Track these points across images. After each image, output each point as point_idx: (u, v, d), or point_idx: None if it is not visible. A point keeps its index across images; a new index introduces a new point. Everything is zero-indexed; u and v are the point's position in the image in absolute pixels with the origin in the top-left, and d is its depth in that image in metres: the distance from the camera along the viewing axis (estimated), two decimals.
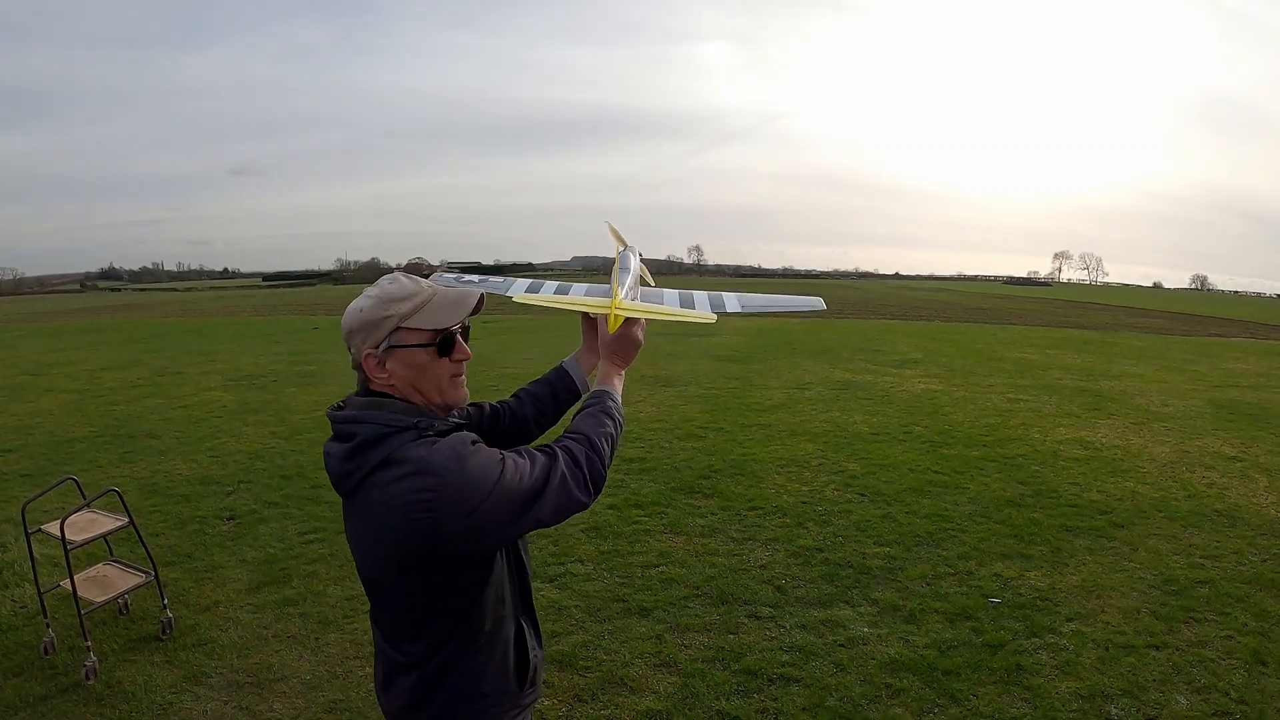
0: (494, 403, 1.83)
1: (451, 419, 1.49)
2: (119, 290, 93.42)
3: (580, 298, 1.91)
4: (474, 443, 1.37)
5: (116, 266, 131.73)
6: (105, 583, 3.83)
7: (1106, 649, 3.56)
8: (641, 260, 2.19)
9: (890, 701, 3.17)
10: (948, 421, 8.48)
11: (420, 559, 1.32)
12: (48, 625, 3.68)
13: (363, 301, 1.41)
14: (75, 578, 3.71)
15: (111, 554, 4.16)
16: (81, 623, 3.48)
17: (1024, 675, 3.34)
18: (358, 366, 1.44)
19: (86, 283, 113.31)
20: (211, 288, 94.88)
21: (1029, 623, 3.82)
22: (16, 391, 11.22)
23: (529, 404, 1.84)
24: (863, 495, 5.84)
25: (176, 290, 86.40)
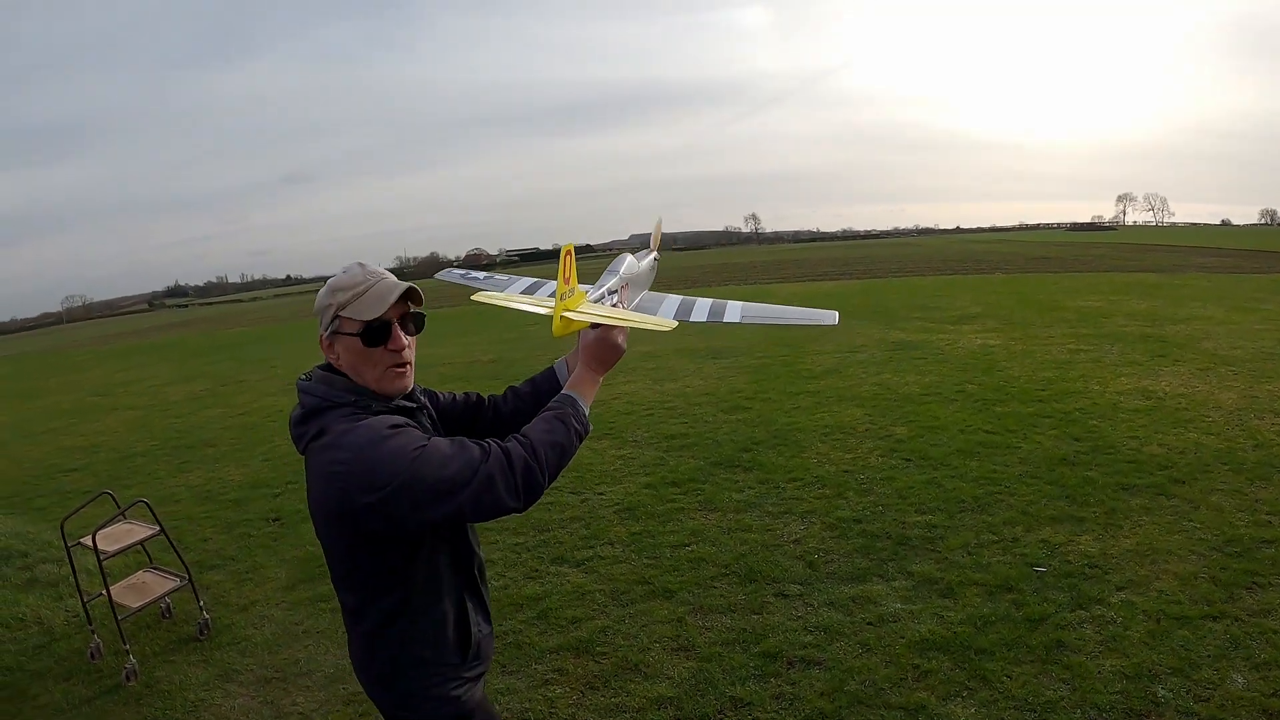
0: (481, 395, 1.88)
1: (399, 402, 1.56)
2: (185, 306, 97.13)
3: (529, 298, 1.92)
4: (396, 425, 1.42)
5: (182, 283, 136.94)
6: (143, 589, 3.96)
7: (1158, 621, 3.29)
8: (656, 260, 2.15)
9: (915, 685, 3.00)
10: (1003, 377, 8.11)
11: (343, 526, 1.43)
12: (93, 632, 3.84)
13: (322, 289, 1.54)
14: (115, 586, 3.88)
15: (151, 561, 4.29)
16: (119, 628, 3.61)
17: (1065, 652, 3.11)
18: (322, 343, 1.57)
19: (154, 302, 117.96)
20: (276, 295, 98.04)
21: (1075, 593, 3.56)
22: (85, 413, 11.79)
23: (512, 401, 1.86)
24: (908, 460, 5.62)
25: (241, 301, 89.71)
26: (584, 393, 1.63)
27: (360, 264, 1.55)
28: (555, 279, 1.77)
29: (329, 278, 1.57)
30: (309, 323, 28.32)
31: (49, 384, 17.20)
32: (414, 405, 1.62)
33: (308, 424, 1.48)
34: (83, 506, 4.27)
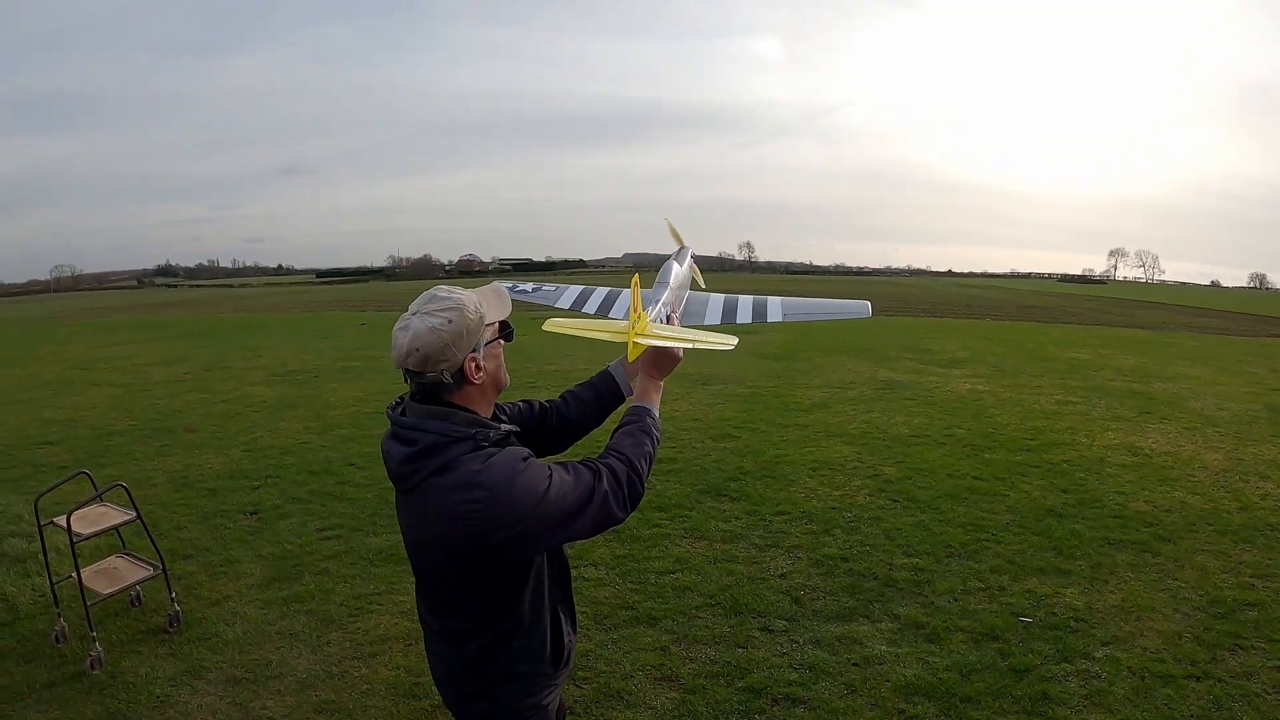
0: (544, 402, 1.92)
1: (504, 426, 1.58)
2: (175, 287, 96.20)
3: (601, 323, 1.96)
4: (525, 459, 1.49)
5: (173, 263, 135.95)
6: (114, 575, 3.86)
7: (1142, 678, 3.29)
8: (693, 260, 2.20)
9: None
10: (992, 424, 8.14)
11: (467, 560, 1.45)
12: (59, 615, 3.74)
13: (434, 321, 1.47)
14: (86, 569, 3.77)
15: (125, 547, 4.19)
16: (87, 614, 3.52)
17: (1049, 705, 3.09)
18: (454, 377, 1.50)
19: (144, 279, 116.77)
20: (266, 284, 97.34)
21: (1060, 646, 3.55)
22: (65, 386, 11.57)
23: (574, 407, 1.92)
24: (895, 501, 5.60)
25: (231, 286, 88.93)
26: (653, 400, 1.75)
27: (441, 288, 1.55)
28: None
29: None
30: (297, 315, 28.15)
31: (31, 353, 16.89)
32: (516, 429, 1.63)
33: (426, 460, 1.47)
34: (60, 484, 4.17)
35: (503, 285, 1.65)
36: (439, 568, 1.52)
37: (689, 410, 8.78)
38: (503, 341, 1.61)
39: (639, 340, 1.71)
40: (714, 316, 2.09)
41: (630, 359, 1.75)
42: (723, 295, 2.09)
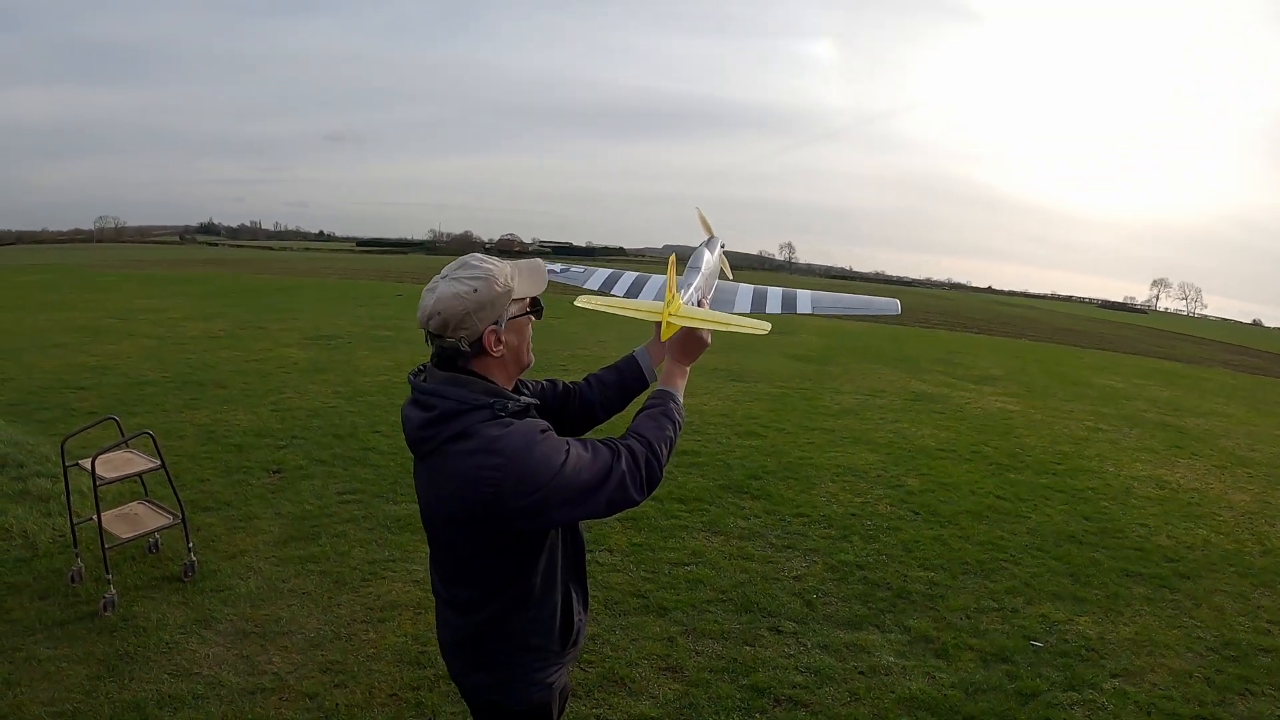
0: (567, 383, 1.90)
1: (524, 398, 1.57)
2: (216, 245, 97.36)
3: (635, 303, 1.99)
4: (544, 430, 1.48)
5: (215, 222, 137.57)
6: (134, 520, 3.92)
7: (1149, 713, 3.22)
8: (723, 250, 2.22)
9: None
10: (1019, 444, 8.01)
11: (482, 526, 1.46)
12: (77, 555, 3.82)
13: (460, 287, 1.48)
14: (108, 513, 3.84)
15: (146, 493, 4.26)
16: (104, 556, 3.58)
17: None
18: (471, 345, 1.50)
19: (186, 236, 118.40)
20: (306, 248, 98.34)
21: (1069, 673, 3.49)
22: (101, 333, 11.81)
23: (597, 390, 1.90)
24: (916, 513, 5.53)
25: (272, 249, 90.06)
26: (677, 385, 1.75)
27: (476, 256, 1.56)
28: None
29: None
30: (335, 282, 28.48)
31: (71, 299, 17.26)
32: (535, 401, 1.64)
33: (443, 426, 1.47)
34: (88, 427, 4.26)
35: (543, 264, 1.63)
36: (452, 533, 1.53)
37: (717, 405, 8.75)
38: (532, 318, 1.61)
39: (673, 320, 1.72)
40: (743, 305, 2.09)
41: (663, 338, 1.76)
42: (752, 286, 2.09)
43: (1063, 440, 8.43)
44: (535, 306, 1.61)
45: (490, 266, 1.53)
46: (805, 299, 1.99)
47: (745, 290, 2.04)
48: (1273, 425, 11.02)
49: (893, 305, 2.06)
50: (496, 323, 1.51)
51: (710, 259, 2.08)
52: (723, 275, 2.35)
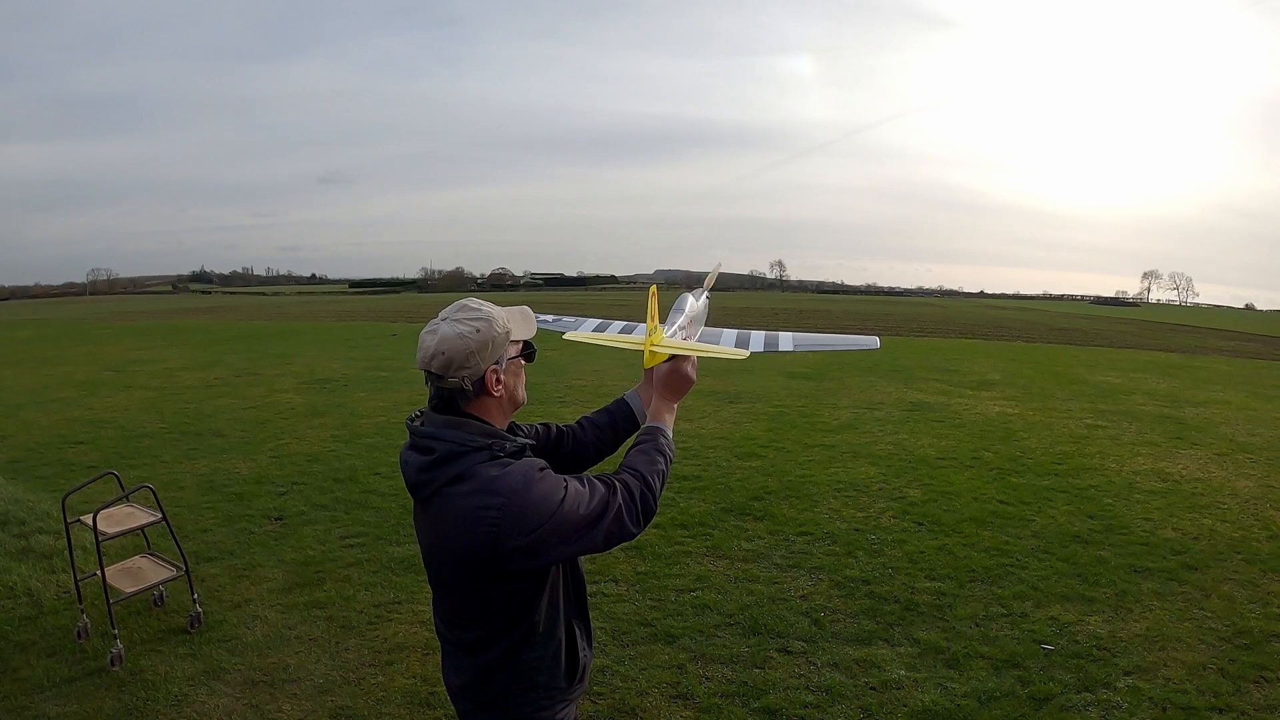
0: (560, 425, 1.94)
1: (520, 439, 1.60)
2: (209, 293, 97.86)
3: (619, 335, 2.06)
4: (542, 469, 1.51)
5: (208, 270, 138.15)
6: (138, 574, 3.93)
7: (1164, 709, 3.21)
8: (709, 298, 2.28)
9: None
10: (1020, 448, 8.02)
11: (483, 566, 1.47)
12: (82, 611, 3.81)
13: (462, 328, 1.52)
14: (111, 568, 3.84)
15: (149, 547, 4.26)
16: (110, 611, 3.58)
17: None
18: (473, 385, 1.54)
19: (179, 284, 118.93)
20: (299, 292, 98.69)
21: (1082, 675, 3.48)
22: (98, 387, 11.84)
23: (590, 432, 1.94)
24: (920, 524, 5.53)
25: (264, 294, 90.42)
26: (666, 421, 1.76)
27: (473, 299, 1.61)
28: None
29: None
30: (329, 324, 28.51)
31: (67, 353, 17.30)
32: (531, 440, 1.67)
33: (442, 469, 1.49)
34: (88, 483, 4.26)
35: (530, 310, 1.70)
36: (454, 574, 1.54)
37: (715, 428, 8.76)
38: (524, 361, 1.65)
39: (656, 349, 1.76)
40: (727, 345, 2.13)
41: (646, 365, 1.79)
42: (734, 331, 2.15)
43: (1063, 440, 8.45)
44: (527, 349, 1.66)
45: (489, 310, 1.58)
46: (787, 339, 2.04)
47: (728, 335, 2.10)
48: (1272, 409, 11.06)
49: (872, 342, 2.12)
50: (498, 363, 1.56)
51: (695, 305, 2.14)
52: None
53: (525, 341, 1.65)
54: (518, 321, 1.63)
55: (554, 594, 1.61)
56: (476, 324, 1.54)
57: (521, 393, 1.65)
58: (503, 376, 1.57)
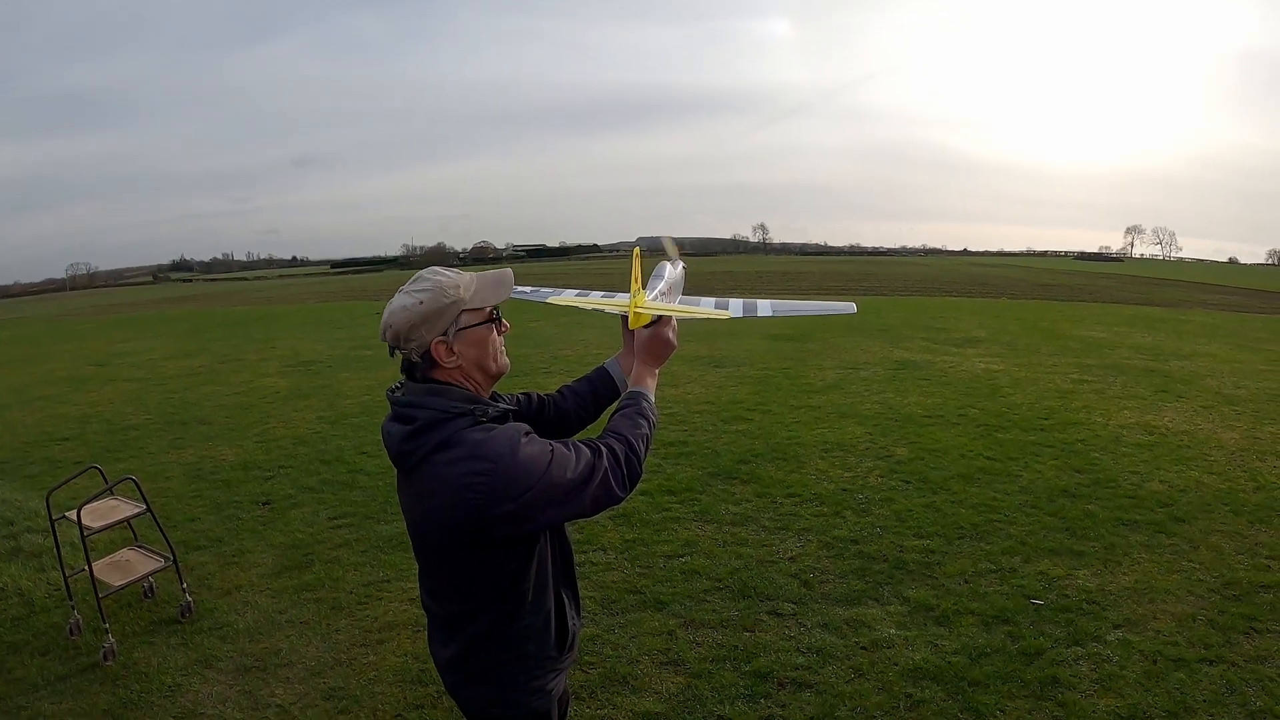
0: (541, 394, 1.94)
1: (502, 405, 1.59)
2: (190, 281, 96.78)
3: (602, 298, 2.08)
4: (526, 433, 1.49)
5: (188, 258, 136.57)
6: (126, 567, 3.89)
7: (1154, 662, 3.24)
8: (685, 271, 2.29)
9: (907, 714, 2.94)
10: (1006, 404, 8.05)
11: (470, 534, 1.44)
12: (73, 608, 3.79)
13: (407, 300, 1.51)
14: (98, 562, 3.81)
15: (136, 539, 4.22)
16: (99, 606, 3.55)
17: (1059, 690, 3.05)
18: (422, 357, 1.52)
19: (159, 275, 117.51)
20: (280, 276, 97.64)
21: (1072, 629, 3.51)
22: (81, 383, 11.68)
23: (571, 400, 1.93)
24: (907, 482, 5.56)
25: (246, 279, 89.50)
26: (648, 386, 1.76)
27: (435, 270, 1.58)
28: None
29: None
30: (312, 306, 28.33)
31: (48, 350, 17.10)
32: (514, 408, 1.65)
33: (426, 437, 1.47)
34: (70, 479, 4.21)
35: (511, 274, 1.63)
36: (441, 544, 1.52)
37: (701, 393, 8.75)
38: (494, 328, 1.59)
39: (640, 310, 1.77)
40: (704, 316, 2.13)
41: (631, 326, 1.78)
42: (713, 299, 2.15)
43: (1049, 395, 8.49)
44: (495, 316, 1.59)
45: (440, 278, 1.53)
46: (765, 305, 2.04)
47: (707, 302, 2.10)
48: (1257, 361, 11.13)
49: (849, 308, 2.13)
50: (445, 334, 1.52)
51: (674, 272, 2.14)
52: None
53: (493, 308, 1.59)
54: (486, 286, 1.58)
55: (541, 563, 1.59)
56: (422, 294, 1.51)
57: (493, 363, 1.60)
58: (455, 347, 1.53)
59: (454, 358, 1.53)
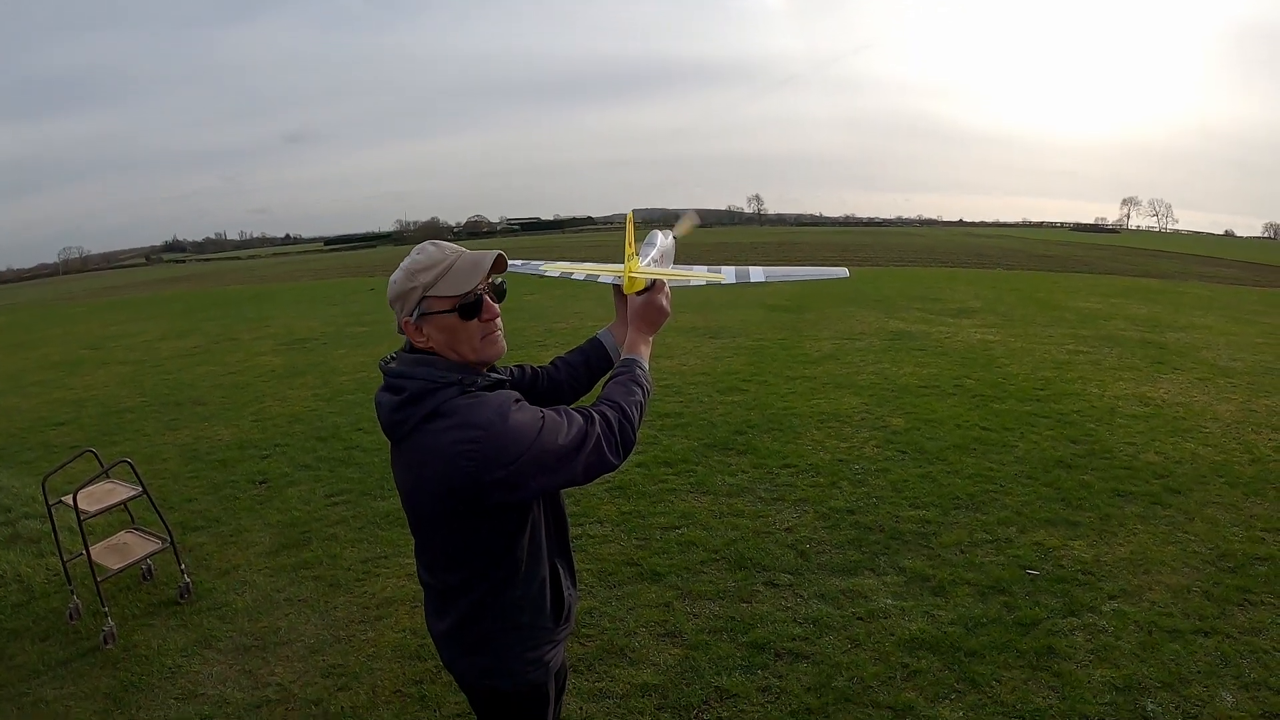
0: (534, 366, 1.93)
1: (493, 375, 1.58)
2: (183, 261, 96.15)
3: (597, 265, 2.09)
4: (517, 400, 1.48)
5: (180, 239, 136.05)
6: (124, 550, 3.89)
7: (1149, 633, 3.25)
8: (675, 241, 2.29)
9: (904, 684, 2.96)
10: (1002, 374, 8.05)
11: (463, 502, 1.44)
12: (72, 592, 3.79)
13: (397, 274, 1.53)
14: (96, 546, 3.82)
15: (133, 522, 4.22)
16: (98, 589, 3.56)
17: (1055, 660, 3.07)
18: (401, 331, 1.55)
19: (152, 256, 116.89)
20: (274, 254, 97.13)
21: (1067, 599, 3.52)
22: (75, 366, 11.63)
23: (564, 371, 1.93)
24: (903, 453, 5.57)
25: (239, 259, 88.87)
26: (642, 354, 1.74)
27: (433, 243, 1.56)
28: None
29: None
30: (306, 284, 28.22)
31: (42, 335, 17.02)
32: (506, 378, 1.63)
33: (416, 406, 1.47)
34: (66, 464, 4.20)
35: (490, 256, 1.53)
36: (435, 514, 1.51)
37: (697, 364, 8.75)
38: (468, 316, 1.51)
39: (635, 276, 1.77)
40: (699, 281, 2.12)
41: (626, 291, 1.78)
42: (705, 266, 2.14)
43: (1045, 366, 8.48)
44: (463, 307, 1.51)
45: (424, 257, 1.52)
46: (759, 272, 2.04)
47: (699, 270, 2.08)
48: (1253, 334, 11.12)
49: (841, 272, 2.13)
50: (411, 315, 1.52)
51: (665, 241, 2.14)
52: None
53: (462, 296, 1.50)
54: (460, 273, 1.50)
55: (535, 532, 1.59)
56: (399, 272, 1.53)
57: (469, 350, 1.53)
58: (425, 329, 1.52)
59: (423, 338, 1.54)
